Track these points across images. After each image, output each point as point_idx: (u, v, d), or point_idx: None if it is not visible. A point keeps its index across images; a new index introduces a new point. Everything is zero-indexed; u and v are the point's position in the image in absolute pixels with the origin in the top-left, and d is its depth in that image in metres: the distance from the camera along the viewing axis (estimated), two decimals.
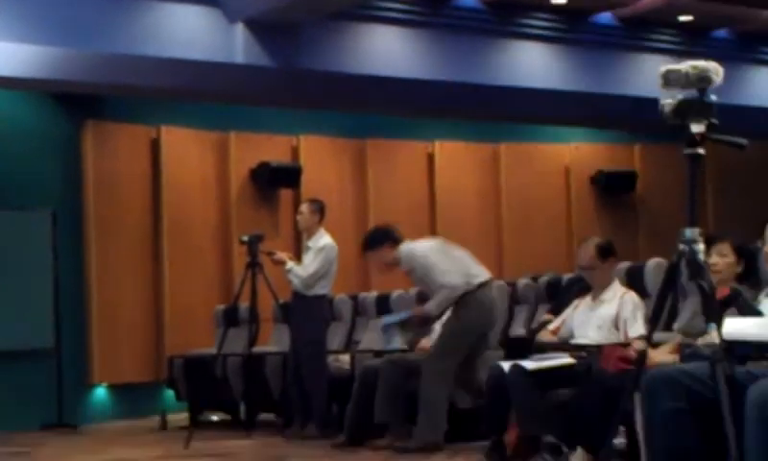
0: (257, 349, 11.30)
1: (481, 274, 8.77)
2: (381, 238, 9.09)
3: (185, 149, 13.98)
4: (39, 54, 11.03)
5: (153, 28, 11.72)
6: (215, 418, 12.32)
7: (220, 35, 12.01)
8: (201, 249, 13.94)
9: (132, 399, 13.43)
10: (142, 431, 11.93)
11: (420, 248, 8.91)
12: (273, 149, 14.51)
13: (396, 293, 11.47)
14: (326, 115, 14.78)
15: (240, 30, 12.02)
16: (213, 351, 11.50)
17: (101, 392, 13.35)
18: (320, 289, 10.23)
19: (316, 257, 10.21)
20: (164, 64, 11.73)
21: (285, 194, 14.55)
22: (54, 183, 13.06)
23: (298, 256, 10.78)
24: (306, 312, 10.17)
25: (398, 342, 9.05)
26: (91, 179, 13.28)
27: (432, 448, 8.42)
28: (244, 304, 11.43)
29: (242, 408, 11.78)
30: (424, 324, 8.91)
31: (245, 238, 10.58)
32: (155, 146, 13.83)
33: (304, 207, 10.50)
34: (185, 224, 13.81)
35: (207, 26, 11.99)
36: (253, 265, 10.33)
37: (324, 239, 10.32)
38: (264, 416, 11.73)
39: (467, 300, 8.62)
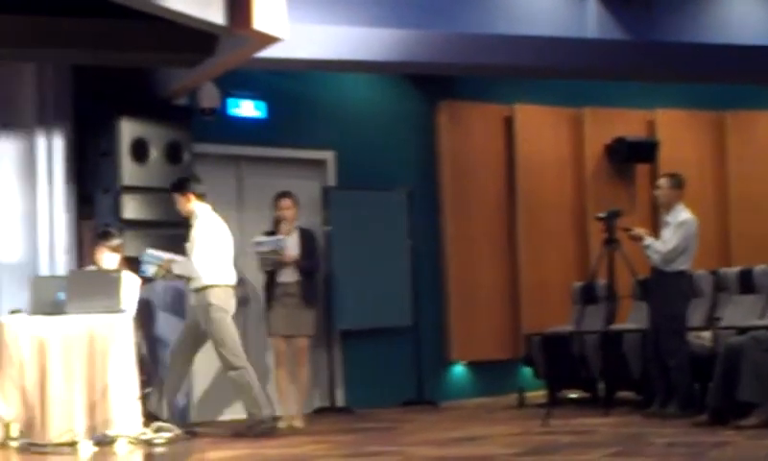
0: (615, 326, 11.14)
1: (219, 274, 9.78)
2: (181, 187, 9.95)
3: (539, 126, 13.95)
4: (395, 37, 11.20)
5: (505, 6, 11.70)
6: (573, 395, 12.23)
7: (572, 9, 11.87)
8: (556, 226, 13.88)
9: (490, 376, 13.49)
10: (500, 408, 11.97)
11: (208, 222, 9.82)
12: (628, 124, 14.29)
13: (758, 267, 11.06)
14: (683, 88, 14.39)
15: (592, 4, 11.85)
16: (570, 328, 11.40)
17: (459, 369, 13.48)
18: (680, 265, 10.01)
19: (676, 232, 10.00)
20: (517, 42, 11.69)
21: (641, 169, 14.28)
22: (410, 163, 13.27)
23: (655, 232, 10.58)
24: (666, 288, 9.96)
25: (150, 272, 9.80)
26: (446, 158, 13.44)
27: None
28: (601, 281, 11.30)
29: (600, 386, 11.65)
30: (169, 272, 9.84)
31: (601, 215, 10.47)
32: (508, 124, 13.85)
33: (663, 182, 10.31)
34: (540, 201, 13.78)
35: (559, 1, 11.87)
36: (611, 242, 10.20)
37: (683, 214, 10.10)
38: (623, 394, 11.55)
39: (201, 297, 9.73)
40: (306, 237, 10.94)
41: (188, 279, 9.86)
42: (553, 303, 13.19)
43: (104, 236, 9.88)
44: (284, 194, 10.97)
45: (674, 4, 12.14)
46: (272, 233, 10.89)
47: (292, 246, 10.80)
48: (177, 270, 9.76)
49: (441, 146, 13.47)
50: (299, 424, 10.62)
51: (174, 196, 10.00)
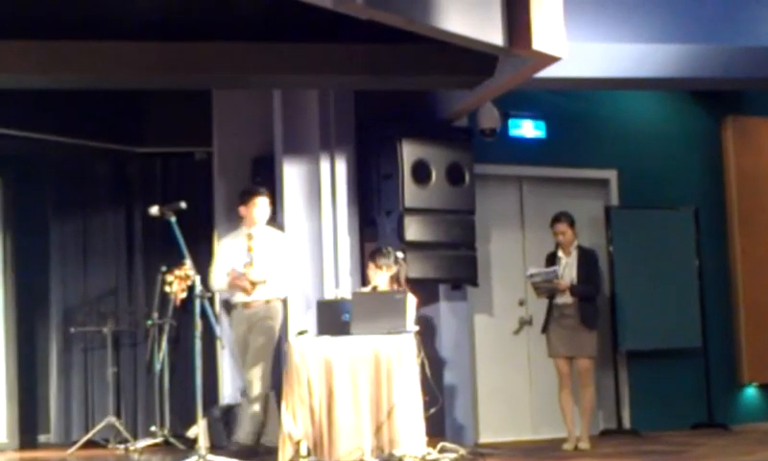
0: None
1: None
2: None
3: None
4: (677, 52, 10.96)
5: None
6: None
7: None
8: None
9: None
10: None
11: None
12: None
13: None
14: None
15: None
16: None
17: (751, 391, 13.09)
18: None
19: None
20: None
21: None
22: (695, 181, 12.99)
23: None
24: None
25: None
26: (733, 175, 13.10)
27: None
28: None
29: None
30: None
31: None
32: None
33: None
34: None
35: None
36: None
37: None
38: None
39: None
40: (586, 258, 10.79)
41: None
42: None
43: (375, 254, 9.98)
44: (558, 218, 10.85)
45: None
46: (553, 255, 10.81)
47: (570, 267, 10.69)
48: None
49: (727, 162, 13.14)
50: (585, 445, 10.49)
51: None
